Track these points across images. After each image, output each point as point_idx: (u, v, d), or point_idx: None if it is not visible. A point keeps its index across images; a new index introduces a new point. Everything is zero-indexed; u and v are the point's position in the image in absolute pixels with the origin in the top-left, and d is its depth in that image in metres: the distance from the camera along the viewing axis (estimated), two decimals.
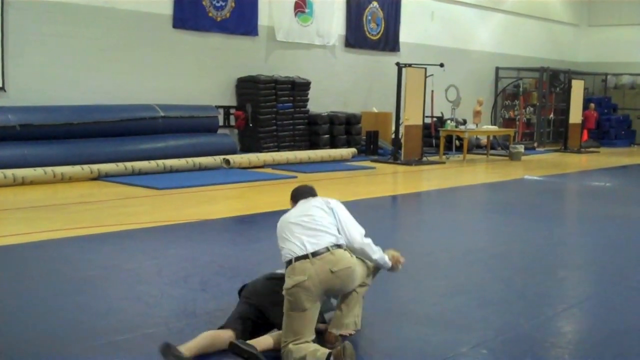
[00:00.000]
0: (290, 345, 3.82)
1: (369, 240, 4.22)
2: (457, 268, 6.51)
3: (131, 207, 9.26)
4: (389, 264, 4.33)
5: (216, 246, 7.07)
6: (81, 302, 5.07)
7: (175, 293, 5.35)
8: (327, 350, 3.66)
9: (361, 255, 4.18)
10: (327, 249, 3.99)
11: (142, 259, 6.40)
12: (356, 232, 4.20)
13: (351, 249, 4.16)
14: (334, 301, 4.36)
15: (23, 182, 10.61)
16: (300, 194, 4.51)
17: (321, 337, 4.12)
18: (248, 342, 3.89)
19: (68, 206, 9.16)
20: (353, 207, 4.58)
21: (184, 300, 5.15)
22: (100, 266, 6.10)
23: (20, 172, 10.63)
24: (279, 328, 4.12)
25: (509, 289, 5.83)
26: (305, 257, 3.97)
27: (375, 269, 4.39)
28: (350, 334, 4.15)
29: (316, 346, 3.76)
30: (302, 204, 4.35)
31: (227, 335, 4.11)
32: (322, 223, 4.13)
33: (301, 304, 3.88)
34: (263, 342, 3.97)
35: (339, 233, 4.18)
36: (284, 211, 4.45)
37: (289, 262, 4.03)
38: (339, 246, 4.07)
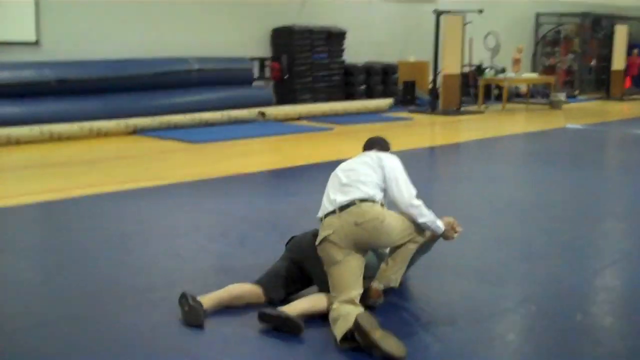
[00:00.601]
0: (335, 304, 3.72)
1: (418, 202, 3.99)
2: (498, 220, 6.34)
3: (167, 162, 9.20)
4: (441, 228, 4.06)
5: (253, 200, 6.97)
6: (117, 258, 5.02)
7: (212, 248, 5.27)
8: (353, 319, 3.48)
9: (408, 216, 4.01)
10: (354, 203, 3.89)
11: (179, 214, 6.33)
12: (404, 192, 4.01)
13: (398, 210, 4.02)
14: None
15: (59, 138, 10.58)
16: (368, 144, 4.44)
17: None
18: (280, 308, 3.75)
19: (104, 161, 9.13)
20: None
21: (221, 255, 5.08)
22: (136, 221, 6.04)
23: (56, 128, 10.61)
24: (320, 286, 4.02)
25: (554, 241, 5.65)
26: (333, 212, 3.91)
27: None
28: (393, 287, 4.03)
29: (354, 310, 3.60)
30: (359, 156, 4.25)
31: (254, 290, 4.00)
32: (360, 179, 4.01)
33: (332, 257, 3.83)
34: (298, 305, 3.83)
35: (383, 191, 4.05)
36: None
37: (321, 220, 3.98)
38: (368, 200, 3.92)
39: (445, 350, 3.56)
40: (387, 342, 3.38)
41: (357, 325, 3.42)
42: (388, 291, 4.08)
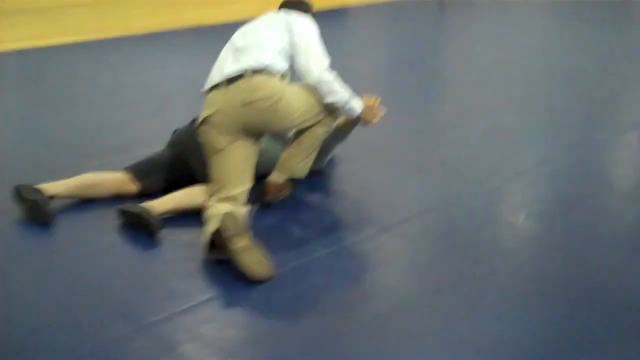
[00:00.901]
0: (211, 201, 2.99)
1: (329, 77, 3.13)
2: (487, 86, 5.36)
3: (130, 10, 8.31)
4: (357, 110, 3.22)
5: (214, 58, 6.18)
6: (32, 128, 4.36)
7: (142, 119, 4.55)
8: (218, 220, 2.74)
9: (316, 93, 3.17)
10: (244, 75, 3.04)
11: (124, 75, 5.58)
12: (312, 63, 3.13)
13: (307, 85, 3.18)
14: None
15: None
16: (283, 4, 3.51)
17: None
18: (145, 203, 3.06)
19: (62, 9, 8.28)
20: None
21: (147, 127, 4.36)
22: (75, 83, 5.37)
23: None
24: (201, 179, 3.24)
25: (535, 119, 4.70)
26: (219, 85, 3.08)
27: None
28: (299, 178, 3.31)
29: (226, 209, 2.83)
30: (265, 15, 3.39)
31: (118, 178, 3.32)
32: (258, 43, 3.15)
33: (214, 143, 3.03)
34: (168, 200, 3.12)
35: (289, 60, 3.20)
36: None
37: (205, 94, 3.15)
38: (262, 71, 3.07)
39: (326, 272, 2.70)
40: (249, 256, 2.64)
41: (220, 227, 2.70)
42: (296, 184, 3.33)
